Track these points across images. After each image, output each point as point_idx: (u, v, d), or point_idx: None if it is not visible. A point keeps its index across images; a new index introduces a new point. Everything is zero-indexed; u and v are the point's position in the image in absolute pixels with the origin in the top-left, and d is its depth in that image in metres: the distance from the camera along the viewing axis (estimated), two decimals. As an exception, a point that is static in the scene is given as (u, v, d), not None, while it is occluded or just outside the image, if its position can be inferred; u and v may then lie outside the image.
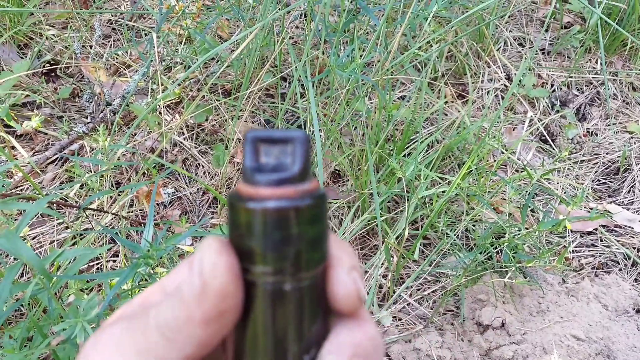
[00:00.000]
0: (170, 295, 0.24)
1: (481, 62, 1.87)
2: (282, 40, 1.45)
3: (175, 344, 0.23)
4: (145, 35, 1.76)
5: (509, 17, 2.05)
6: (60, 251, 0.76)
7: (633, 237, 1.55)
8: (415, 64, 1.73)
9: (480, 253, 1.27)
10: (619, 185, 1.69)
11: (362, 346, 0.25)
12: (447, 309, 1.35)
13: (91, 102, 1.56)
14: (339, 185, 1.53)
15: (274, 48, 1.53)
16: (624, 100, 1.93)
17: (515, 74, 1.86)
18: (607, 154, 1.76)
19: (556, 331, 1.29)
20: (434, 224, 1.36)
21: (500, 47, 1.98)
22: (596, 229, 1.57)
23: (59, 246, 1.30)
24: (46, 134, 1.53)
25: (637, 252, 1.51)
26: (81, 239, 1.28)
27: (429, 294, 1.37)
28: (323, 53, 1.55)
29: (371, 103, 1.69)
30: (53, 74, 1.67)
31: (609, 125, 1.84)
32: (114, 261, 1.32)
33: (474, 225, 1.47)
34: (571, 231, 1.56)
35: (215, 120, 1.60)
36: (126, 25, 1.81)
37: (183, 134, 1.57)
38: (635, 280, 1.46)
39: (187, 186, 1.50)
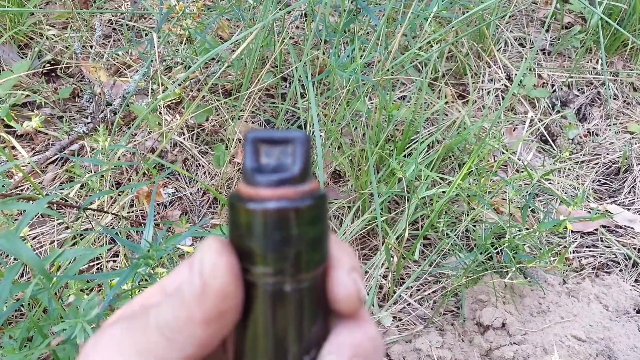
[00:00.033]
0: (170, 295, 0.24)
1: (482, 63, 1.87)
2: (282, 40, 1.45)
3: (176, 344, 0.23)
4: (146, 35, 1.76)
5: (509, 17, 2.05)
6: (61, 251, 0.76)
7: (634, 238, 1.55)
8: (415, 64, 1.73)
9: (481, 253, 1.27)
10: (620, 185, 1.69)
11: (362, 347, 0.25)
12: (447, 310, 1.35)
13: (91, 102, 1.56)
14: (340, 186, 1.53)
15: (275, 48, 1.53)
16: (624, 101, 1.93)
17: (515, 74, 1.86)
18: (607, 154, 1.76)
19: (557, 331, 1.28)
20: (435, 224, 1.36)
21: (501, 47, 1.98)
22: (597, 230, 1.57)
23: (59, 246, 1.30)
24: (46, 134, 1.53)
25: (638, 252, 1.51)
26: (81, 239, 1.28)
27: (429, 294, 1.37)
28: (323, 53, 1.55)
29: (371, 103, 1.69)
30: (53, 74, 1.67)
31: (609, 125, 1.84)
32: (114, 261, 1.32)
33: (474, 226, 1.47)
34: (572, 231, 1.56)
35: (215, 120, 1.60)
36: (126, 25, 1.81)
37: (183, 134, 1.57)
38: (636, 280, 1.46)
39: (188, 186, 1.50)
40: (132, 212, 1.41)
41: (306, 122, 1.49)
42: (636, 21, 1.96)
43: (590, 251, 1.52)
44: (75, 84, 1.64)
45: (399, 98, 1.75)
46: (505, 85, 1.85)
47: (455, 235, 1.38)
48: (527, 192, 1.51)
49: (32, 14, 1.75)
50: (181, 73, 1.64)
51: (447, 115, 1.71)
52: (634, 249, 1.52)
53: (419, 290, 1.38)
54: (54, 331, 0.74)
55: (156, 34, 1.42)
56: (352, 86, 1.33)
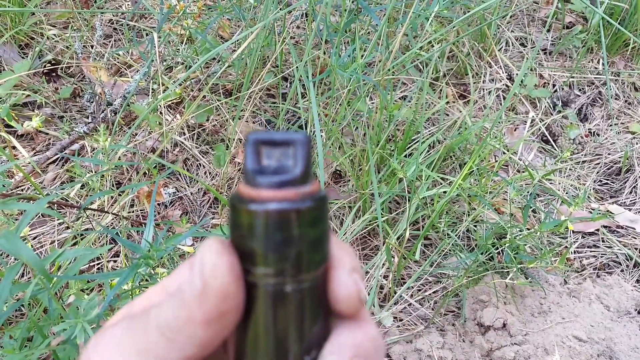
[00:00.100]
0: (171, 295, 0.24)
1: (483, 62, 1.87)
2: (283, 40, 1.45)
3: (176, 344, 0.23)
4: (147, 35, 1.76)
5: (510, 17, 2.05)
6: (61, 251, 0.76)
7: (635, 238, 1.54)
8: (416, 64, 1.73)
9: (482, 254, 1.27)
10: (621, 185, 1.69)
11: (363, 347, 0.25)
12: (448, 310, 1.34)
13: (92, 102, 1.56)
14: (340, 186, 1.53)
15: (275, 48, 1.53)
16: (626, 101, 1.92)
17: (516, 74, 1.86)
18: (609, 154, 1.76)
19: (558, 332, 1.28)
20: (435, 224, 1.36)
21: (502, 47, 1.97)
22: (598, 230, 1.56)
23: (60, 246, 1.31)
24: (47, 134, 1.53)
25: (639, 252, 1.51)
26: (82, 239, 1.28)
27: (430, 294, 1.37)
28: (324, 53, 1.55)
29: (372, 103, 1.69)
30: (54, 74, 1.67)
31: (610, 125, 1.84)
32: (115, 261, 1.32)
33: (475, 226, 1.47)
34: (573, 232, 1.56)
35: (216, 120, 1.60)
36: (127, 25, 1.81)
37: (184, 134, 1.57)
38: (637, 281, 1.46)
39: (188, 186, 1.50)
40: (133, 212, 1.41)
41: (307, 122, 1.49)
42: (637, 21, 1.95)
43: (591, 251, 1.52)
44: (76, 84, 1.64)
45: (400, 98, 1.75)
46: (507, 85, 1.85)
47: (456, 235, 1.38)
48: (528, 192, 1.51)
49: (33, 13, 1.76)
50: (182, 73, 1.64)
51: (448, 115, 1.71)
52: (635, 249, 1.52)
53: (419, 290, 1.38)
54: (54, 331, 0.74)
55: (157, 34, 1.42)
56: (353, 86, 1.33)
